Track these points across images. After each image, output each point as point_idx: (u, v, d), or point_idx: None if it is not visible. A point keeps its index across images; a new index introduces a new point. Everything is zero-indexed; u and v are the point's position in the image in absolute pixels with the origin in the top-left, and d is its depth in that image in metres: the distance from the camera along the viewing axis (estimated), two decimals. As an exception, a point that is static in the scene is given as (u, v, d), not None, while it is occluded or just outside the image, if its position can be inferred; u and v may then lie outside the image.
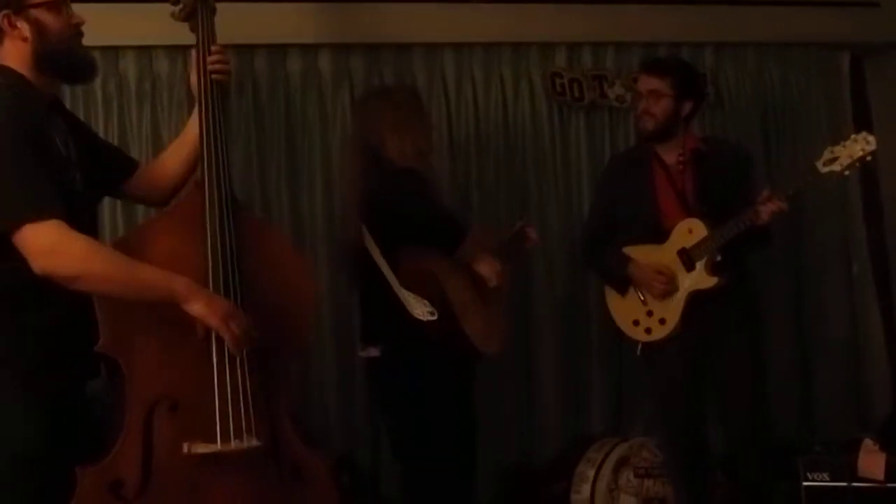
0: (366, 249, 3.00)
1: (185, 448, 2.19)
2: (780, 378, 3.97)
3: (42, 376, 2.14)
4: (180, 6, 2.57)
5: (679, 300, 3.24)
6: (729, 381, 3.25)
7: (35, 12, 2.20)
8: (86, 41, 2.32)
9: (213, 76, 2.46)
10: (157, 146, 3.48)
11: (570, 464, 3.64)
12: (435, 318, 2.90)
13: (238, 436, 2.21)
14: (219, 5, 3.48)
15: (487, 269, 3.03)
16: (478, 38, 3.88)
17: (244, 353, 2.23)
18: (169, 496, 2.18)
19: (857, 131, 3.23)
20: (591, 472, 3.56)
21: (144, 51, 3.54)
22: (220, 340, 2.21)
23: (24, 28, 2.19)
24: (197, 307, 2.16)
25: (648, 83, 3.30)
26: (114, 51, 3.50)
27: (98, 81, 3.41)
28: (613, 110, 4.04)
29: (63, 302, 2.14)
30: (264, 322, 2.27)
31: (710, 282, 3.21)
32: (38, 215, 2.05)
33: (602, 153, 4.02)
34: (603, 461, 3.56)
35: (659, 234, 3.28)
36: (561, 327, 3.96)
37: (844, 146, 3.09)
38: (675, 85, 3.27)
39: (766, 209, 3.10)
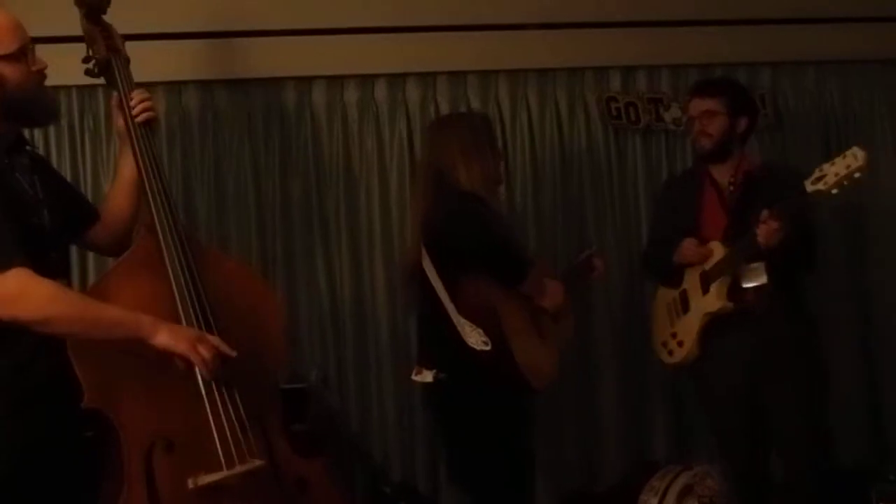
0: (423, 271, 2.99)
1: (191, 483, 2.20)
2: (850, 402, 3.88)
3: (16, 419, 2.13)
4: (91, 63, 2.56)
5: (694, 323, 3.20)
6: (784, 407, 3.15)
7: None
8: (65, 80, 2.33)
9: (140, 117, 2.47)
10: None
11: (633, 491, 3.58)
12: (489, 348, 2.88)
13: (241, 458, 2.22)
14: (272, 39, 3.59)
15: (552, 300, 3.05)
16: (532, 64, 3.90)
17: (225, 376, 2.25)
18: (183, 534, 2.19)
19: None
20: (655, 501, 3.48)
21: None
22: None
23: None
24: (161, 338, 2.16)
25: (701, 105, 3.26)
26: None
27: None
28: (670, 133, 4.01)
29: (34, 344, 2.13)
30: (240, 347, 2.29)
31: (714, 305, 3.14)
32: (2, 265, 2.05)
33: (659, 176, 3.99)
34: (666, 490, 3.49)
35: None
36: (622, 350, 3.93)
37: (833, 163, 2.90)
38: (728, 103, 3.23)
39: (761, 231, 2.98)
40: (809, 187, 2.93)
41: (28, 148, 2.36)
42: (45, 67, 2.29)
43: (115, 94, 2.55)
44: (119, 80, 2.53)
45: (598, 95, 3.96)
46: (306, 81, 3.74)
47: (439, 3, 3.80)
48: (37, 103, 2.28)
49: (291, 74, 3.71)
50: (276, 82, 3.71)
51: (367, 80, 3.79)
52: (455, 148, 3.02)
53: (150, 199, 2.39)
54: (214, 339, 2.22)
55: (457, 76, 3.86)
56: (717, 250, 3.17)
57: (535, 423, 3.21)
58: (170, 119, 3.60)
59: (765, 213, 2.99)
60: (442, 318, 2.94)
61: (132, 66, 2.58)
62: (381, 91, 3.80)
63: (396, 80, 3.81)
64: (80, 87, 3.45)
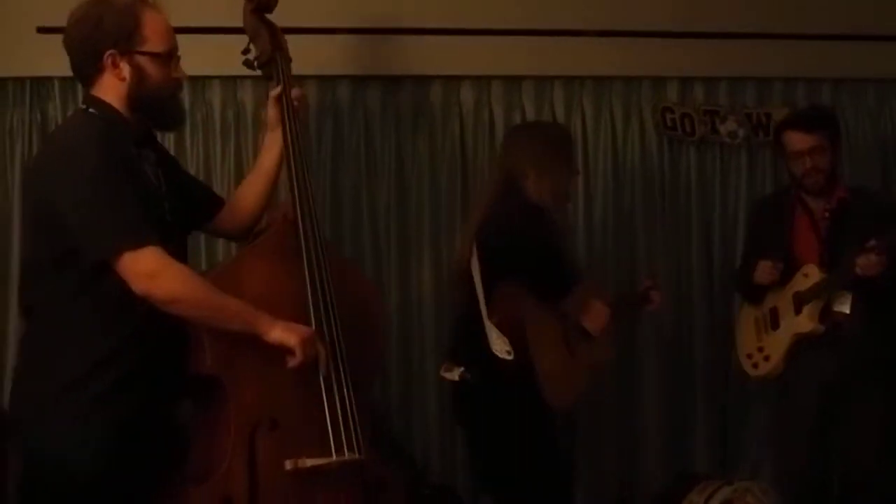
0: (471, 271, 2.99)
1: (289, 464, 2.25)
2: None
3: (114, 400, 2.20)
4: (252, 56, 2.67)
5: (783, 340, 3.25)
6: (857, 426, 3.21)
7: (140, 59, 2.28)
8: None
9: (293, 105, 2.60)
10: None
11: (672, 504, 3.57)
12: (511, 358, 2.86)
13: (349, 447, 2.30)
14: (327, 37, 3.58)
15: (594, 322, 3.03)
16: (588, 72, 3.88)
17: (344, 370, 2.34)
18: (276, 511, 2.24)
19: None
20: (693, 516, 3.47)
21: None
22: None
23: (124, 69, 2.28)
24: (275, 333, 2.26)
25: (805, 140, 3.26)
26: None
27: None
28: (725, 146, 3.97)
29: (137, 326, 2.22)
30: (351, 347, 2.38)
31: (806, 327, 3.20)
32: (137, 242, 2.15)
33: (712, 189, 3.97)
34: (706, 504, 3.48)
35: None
36: (666, 363, 3.91)
37: None
38: (829, 135, 3.27)
39: (861, 262, 3.01)
40: None
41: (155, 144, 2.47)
42: (185, 78, 2.40)
43: (276, 87, 2.66)
44: (282, 75, 2.65)
45: (654, 105, 3.93)
46: (362, 81, 3.74)
47: (496, 7, 3.77)
48: (167, 108, 2.38)
49: (347, 73, 3.72)
50: (331, 80, 3.72)
51: (422, 82, 3.79)
52: (528, 156, 3.04)
53: (296, 193, 2.48)
54: (321, 352, 2.32)
55: (512, 81, 3.84)
56: (813, 274, 3.21)
57: (574, 433, 3.21)
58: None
59: (872, 241, 3.02)
60: (477, 320, 2.95)
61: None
62: (435, 93, 3.81)
63: (451, 82, 3.81)
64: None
